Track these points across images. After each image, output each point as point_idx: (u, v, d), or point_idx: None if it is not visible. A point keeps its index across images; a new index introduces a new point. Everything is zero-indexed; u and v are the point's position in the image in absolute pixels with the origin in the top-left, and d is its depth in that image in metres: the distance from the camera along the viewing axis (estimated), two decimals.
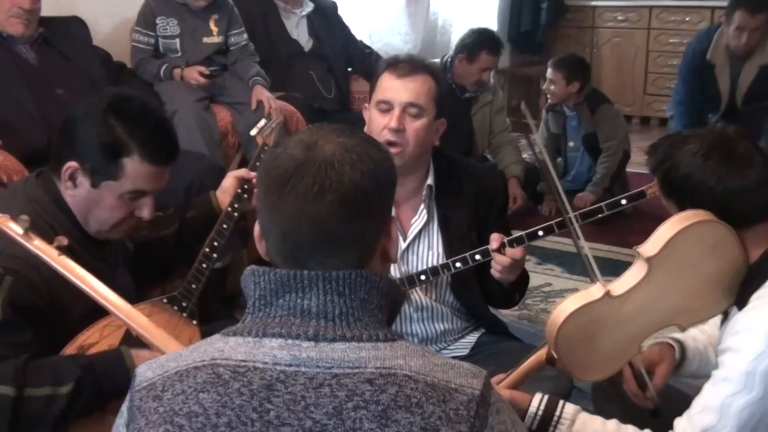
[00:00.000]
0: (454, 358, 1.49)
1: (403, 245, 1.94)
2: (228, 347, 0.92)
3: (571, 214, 1.51)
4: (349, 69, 4.07)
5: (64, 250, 1.48)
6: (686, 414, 1.36)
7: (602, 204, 1.83)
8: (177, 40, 3.17)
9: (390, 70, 1.89)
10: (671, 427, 1.37)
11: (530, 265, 3.32)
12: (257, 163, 2.01)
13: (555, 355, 1.40)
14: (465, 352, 2.01)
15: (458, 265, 1.87)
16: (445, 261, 1.90)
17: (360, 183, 0.93)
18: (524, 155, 4.26)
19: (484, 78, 3.99)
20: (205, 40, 3.23)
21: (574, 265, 3.33)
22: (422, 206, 1.95)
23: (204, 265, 1.87)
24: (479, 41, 3.94)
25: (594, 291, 1.38)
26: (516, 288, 1.98)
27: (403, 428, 0.84)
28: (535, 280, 3.03)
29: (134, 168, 1.61)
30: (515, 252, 1.79)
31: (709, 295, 1.41)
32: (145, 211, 1.68)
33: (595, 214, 1.83)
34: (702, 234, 1.37)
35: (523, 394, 1.42)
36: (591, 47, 6.18)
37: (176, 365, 0.93)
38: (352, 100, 4.01)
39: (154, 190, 1.68)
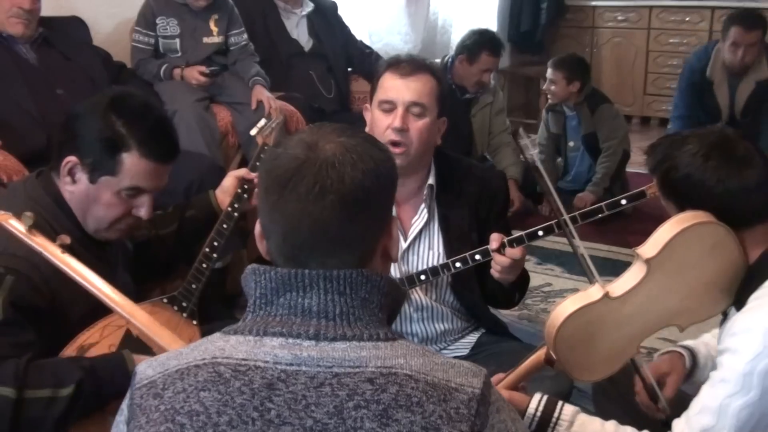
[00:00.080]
0: (454, 357, 1.49)
1: (403, 245, 1.94)
2: (229, 346, 0.92)
3: (566, 216, 1.52)
4: (349, 69, 4.07)
5: (66, 248, 1.48)
6: (684, 415, 1.36)
7: (602, 204, 1.84)
8: (177, 40, 3.17)
9: (392, 69, 1.89)
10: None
11: (530, 265, 3.32)
12: (257, 163, 2.01)
13: (554, 356, 1.40)
14: (465, 352, 2.01)
15: (458, 265, 1.87)
16: (445, 261, 1.90)
17: (361, 183, 0.93)
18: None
19: (484, 79, 3.99)
20: (205, 40, 3.23)
21: (574, 265, 3.32)
22: (423, 206, 1.96)
23: (204, 265, 1.87)
24: (480, 42, 3.94)
25: (593, 292, 1.38)
26: (516, 288, 1.98)
27: (403, 427, 0.84)
28: (535, 280, 3.03)
29: (132, 164, 1.61)
30: (515, 252, 1.79)
31: (708, 295, 1.42)
32: (143, 211, 1.68)
33: (595, 214, 1.84)
34: (701, 235, 1.37)
35: (522, 395, 1.42)
36: (591, 47, 6.17)
37: (177, 363, 0.93)
38: (352, 100, 4.01)
39: (153, 188, 1.68)
